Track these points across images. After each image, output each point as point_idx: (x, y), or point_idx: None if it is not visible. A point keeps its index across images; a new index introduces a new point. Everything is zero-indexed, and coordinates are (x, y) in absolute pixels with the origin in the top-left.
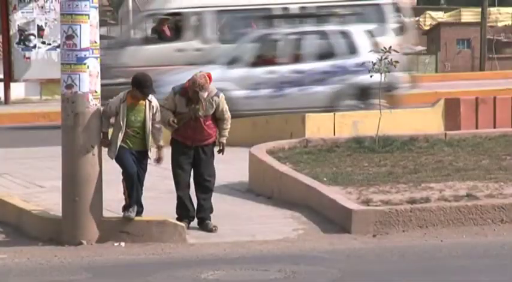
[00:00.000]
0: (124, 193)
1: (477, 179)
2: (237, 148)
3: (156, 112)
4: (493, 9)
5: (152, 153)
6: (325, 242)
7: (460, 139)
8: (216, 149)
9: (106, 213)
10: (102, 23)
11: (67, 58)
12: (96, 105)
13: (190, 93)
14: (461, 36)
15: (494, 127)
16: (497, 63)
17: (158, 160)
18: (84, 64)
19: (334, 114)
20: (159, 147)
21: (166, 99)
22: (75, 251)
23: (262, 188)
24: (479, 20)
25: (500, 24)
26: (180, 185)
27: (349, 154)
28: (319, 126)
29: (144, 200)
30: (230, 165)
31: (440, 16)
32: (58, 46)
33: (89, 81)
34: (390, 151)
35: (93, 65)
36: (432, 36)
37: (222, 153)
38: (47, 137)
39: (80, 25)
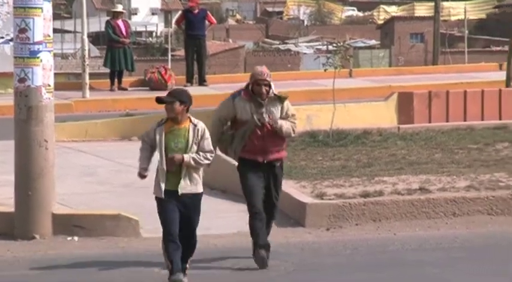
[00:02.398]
0: (164, 254)
1: (430, 172)
2: None
3: (203, 138)
4: (446, 4)
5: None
6: (279, 235)
7: (413, 133)
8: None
9: (59, 208)
10: (56, 16)
11: (20, 52)
12: (49, 98)
13: (252, 88)
14: (415, 31)
15: (447, 121)
16: (450, 57)
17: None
18: (38, 58)
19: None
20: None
21: (223, 104)
22: (28, 245)
23: (217, 182)
24: (433, 14)
25: (453, 19)
26: (256, 207)
27: (303, 148)
28: None
29: (97, 194)
30: None
31: (393, 10)
32: (11, 39)
33: (42, 74)
34: (344, 145)
35: (46, 58)
36: (386, 31)
37: (271, 123)
38: (0, 130)
39: (33, 18)
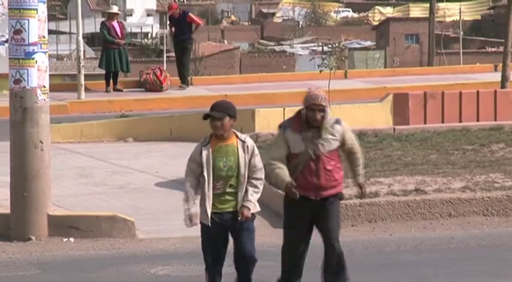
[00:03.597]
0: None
1: (425, 173)
2: (187, 143)
3: (253, 155)
4: (441, 5)
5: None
6: (275, 236)
7: (409, 134)
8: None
9: (55, 209)
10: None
11: (15, 53)
12: (44, 100)
13: (306, 114)
14: (410, 32)
15: (443, 122)
16: (445, 58)
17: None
18: (33, 59)
19: (284, 109)
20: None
21: (275, 143)
22: (24, 246)
23: None
24: (428, 15)
25: (448, 19)
26: (295, 256)
27: None
28: (269, 121)
29: (92, 195)
30: (179, 160)
31: (389, 11)
32: (6, 41)
33: (38, 76)
34: None
35: (41, 59)
36: (381, 32)
37: (363, 197)
38: None
39: (28, 20)
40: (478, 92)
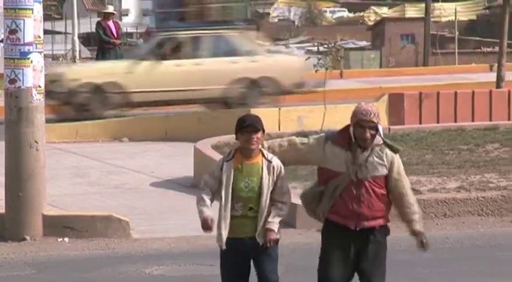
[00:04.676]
0: None
1: (420, 173)
2: (182, 143)
3: (279, 177)
4: (437, 5)
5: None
6: None
7: (404, 134)
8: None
9: (50, 209)
10: (47, 17)
11: (10, 53)
12: (40, 100)
13: (354, 131)
14: (405, 32)
15: (438, 122)
16: (440, 58)
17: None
18: (28, 59)
19: (279, 109)
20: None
21: (308, 144)
22: (19, 246)
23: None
24: (423, 15)
25: (444, 20)
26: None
27: None
28: (264, 121)
29: (87, 195)
30: (175, 160)
31: (384, 11)
32: (1, 41)
33: (33, 76)
34: None
35: (37, 59)
36: (377, 32)
37: (425, 248)
38: None
39: (24, 19)
40: (473, 92)
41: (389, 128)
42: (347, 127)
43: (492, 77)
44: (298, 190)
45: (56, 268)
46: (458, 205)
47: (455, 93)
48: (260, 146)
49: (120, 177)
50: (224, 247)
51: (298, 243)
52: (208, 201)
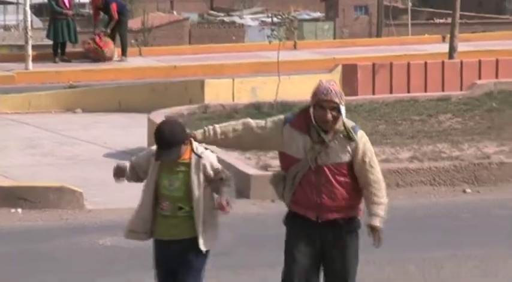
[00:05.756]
0: None
1: (373, 143)
2: (135, 114)
3: (208, 168)
4: None
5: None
6: None
7: (357, 105)
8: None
9: (3, 180)
10: None
11: None
12: None
13: (314, 113)
14: (359, 3)
15: (391, 93)
16: (394, 29)
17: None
18: None
19: (233, 80)
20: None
21: (265, 128)
22: None
23: None
24: None
25: None
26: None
27: None
28: (218, 92)
29: (41, 166)
30: (128, 131)
31: None
32: None
33: None
34: None
35: None
36: (330, 3)
37: (376, 245)
38: None
39: None
40: (426, 63)
41: None
42: (307, 108)
43: (445, 48)
44: (252, 161)
45: (9, 239)
46: (411, 175)
47: (408, 64)
48: (194, 142)
49: (74, 149)
50: (129, 232)
51: (252, 214)
52: (128, 165)
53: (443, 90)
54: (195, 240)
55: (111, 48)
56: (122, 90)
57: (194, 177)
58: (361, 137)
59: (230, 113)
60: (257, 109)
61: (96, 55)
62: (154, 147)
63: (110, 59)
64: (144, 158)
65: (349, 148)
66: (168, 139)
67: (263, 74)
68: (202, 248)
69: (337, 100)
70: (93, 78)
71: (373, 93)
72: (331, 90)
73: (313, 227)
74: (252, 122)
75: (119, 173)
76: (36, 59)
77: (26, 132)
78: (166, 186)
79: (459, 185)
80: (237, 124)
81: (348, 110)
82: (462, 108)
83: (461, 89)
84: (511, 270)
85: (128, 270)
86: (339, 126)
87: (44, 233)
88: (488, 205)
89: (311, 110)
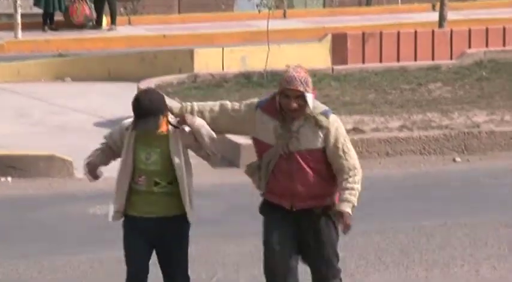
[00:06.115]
0: None
1: (363, 113)
2: (125, 83)
3: (191, 136)
4: None
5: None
6: (214, 176)
7: (347, 74)
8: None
9: None
10: None
11: None
12: None
13: (280, 101)
14: None
15: (381, 62)
16: None
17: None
18: None
19: (223, 49)
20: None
21: (239, 111)
22: None
23: None
24: None
25: None
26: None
27: (237, 89)
28: (207, 61)
29: (30, 135)
30: (118, 100)
31: None
32: None
33: None
34: (278, 86)
35: None
36: None
37: (344, 231)
38: None
39: None
40: (416, 31)
41: (332, 68)
42: (274, 96)
43: (435, 16)
44: None
45: None
46: (401, 144)
47: (398, 33)
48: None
49: (63, 117)
50: (110, 219)
51: (241, 183)
52: (100, 152)
53: (433, 59)
54: (171, 219)
55: (83, 13)
56: (111, 59)
57: (174, 148)
58: (333, 122)
59: (220, 82)
60: (247, 78)
61: (80, 22)
62: (127, 121)
63: (80, 23)
64: (117, 133)
65: (320, 134)
66: (145, 107)
67: (253, 43)
68: (190, 219)
69: (301, 88)
70: (83, 47)
71: (363, 62)
72: (296, 79)
73: (289, 216)
74: (229, 104)
75: (92, 171)
76: (25, 27)
77: (15, 101)
78: (143, 160)
79: (449, 154)
80: (214, 105)
81: (337, 79)
82: (452, 77)
83: (451, 58)
84: (500, 239)
85: (119, 238)
86: (308, 112)
87: (34, 202)
88: (478, 174)
89: (277, 98)
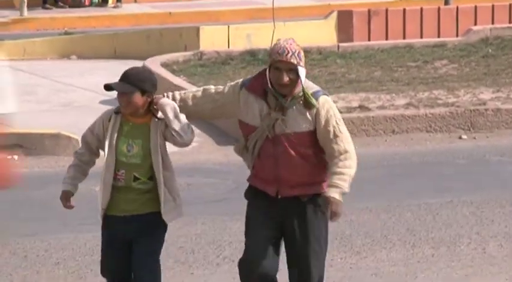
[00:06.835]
0: None
1: (369, 90)
2: (131, 60)
3: (164, 125)
4: None
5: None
6: (219, 154)
7: (353, 51)
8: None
9: None
10: None
11: None
12: None
13: (270, 75)
14: None
15: (387, 39)
16: None
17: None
18: None
19: (229, 27)
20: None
21: (223, 93)
22: None
23: None
24: None
25: None
26: (253, 273)
27: (243, 67)
28: (213, 39)
29: (36, 113)
30: None
31: None
32: None
33: None
34: None
35: None
36: None
37: (332, 219)
38: None
39: None
40: (421, 8)
41: (338, 46)
42: (264, 71)
43: None
44: None
45: None
46: (407, 121)
47: (404, 10)
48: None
49: (69, 95)
50: (101, 215)
51: None
52: (74, 170)
53: (439, 36)
54: (151, 216)
55: None
56: (117, 36)
57: (153, 140)
58: (324, 103)
59: (225, 59)
60: (252, 56)
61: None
62: (111, 110)
63: (86, 1)
64: (98, 125)
65: (309, 116)
66: (129, 74)
67: (258, 20)
68: (166, 219)
69: (294, 61)
70: (89, 25)
71: (369, 40)
72: (288, 50)
73: (274, 204)
74: (212, 88)
75: (67, 199)
76: (30, 5)
77: (21, 79)
78: (124, 152)
79: (455, 132)
80: (198, 90)
81: (343, 56)
82: (458, 54)
83: (457, 35)
84: (506, 217)
85: None
86: (298, 90)
87: (40, 180)
88: (484, 151)
89: (267, 72)
